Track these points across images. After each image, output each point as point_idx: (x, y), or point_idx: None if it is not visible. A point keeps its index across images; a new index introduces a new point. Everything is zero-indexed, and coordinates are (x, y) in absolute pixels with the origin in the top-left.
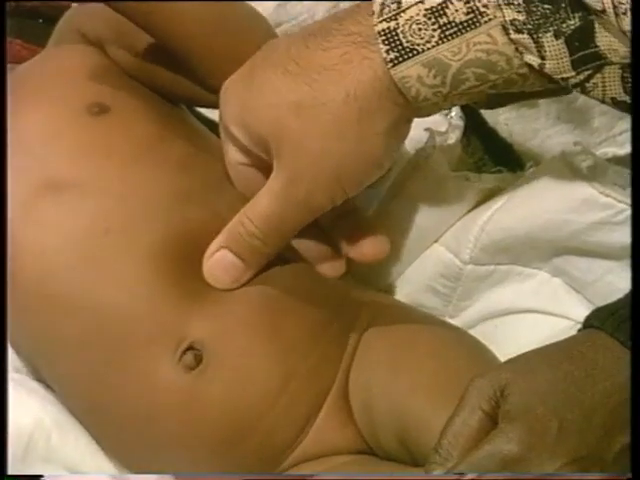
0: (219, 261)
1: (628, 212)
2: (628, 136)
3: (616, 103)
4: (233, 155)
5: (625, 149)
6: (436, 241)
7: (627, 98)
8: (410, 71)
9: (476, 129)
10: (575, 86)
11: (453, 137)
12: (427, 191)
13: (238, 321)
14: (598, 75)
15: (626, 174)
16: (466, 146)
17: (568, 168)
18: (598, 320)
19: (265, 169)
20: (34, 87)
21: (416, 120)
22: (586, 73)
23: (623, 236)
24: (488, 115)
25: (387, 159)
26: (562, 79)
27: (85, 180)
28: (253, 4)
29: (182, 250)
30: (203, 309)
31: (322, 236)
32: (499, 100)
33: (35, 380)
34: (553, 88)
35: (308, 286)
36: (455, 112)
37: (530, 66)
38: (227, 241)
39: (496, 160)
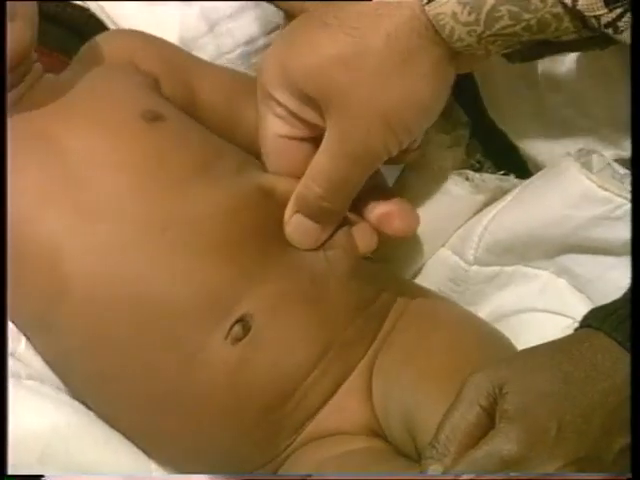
0: (296, 226)
1: (626, 207)
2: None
3: None
4: (274, 127)
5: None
6: (443, 245)
7: None
8: (445, 7)
9: (480, 132)
10: (607, 26)
11: (457, 140)
12: (430, 194)
13: (285, 293)
14: (629, 14)
15: (625, 170)
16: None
17: (570, 165)
18: (596, 320)
19: (306, 140)
20: (87, 103)
21: None
22: (618, 11)
23: (623, 231)
24: (495, 117)
25: (434, 103)
26: (594, 17)
27: (139, 184)
28: (252, 4)
29: (236, 240)
30: (253, 286)
31: (353, 211)
32: (536, 51)
33: (51, 387)
34: (588, 39)
35: (356, 262)
36: (460, 114)
37: (564, 5)
38: (297, 206)
39: (498, 164)
